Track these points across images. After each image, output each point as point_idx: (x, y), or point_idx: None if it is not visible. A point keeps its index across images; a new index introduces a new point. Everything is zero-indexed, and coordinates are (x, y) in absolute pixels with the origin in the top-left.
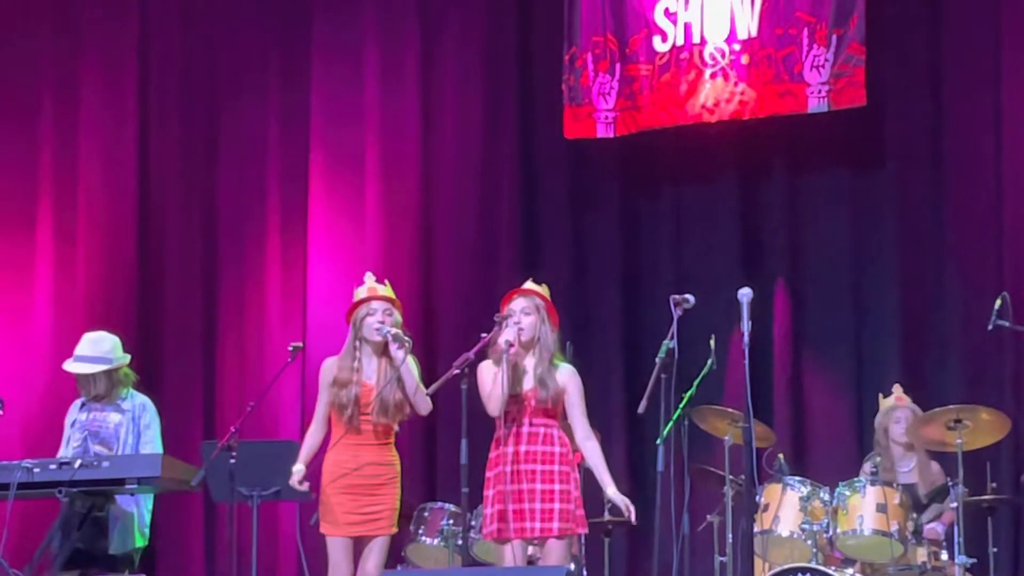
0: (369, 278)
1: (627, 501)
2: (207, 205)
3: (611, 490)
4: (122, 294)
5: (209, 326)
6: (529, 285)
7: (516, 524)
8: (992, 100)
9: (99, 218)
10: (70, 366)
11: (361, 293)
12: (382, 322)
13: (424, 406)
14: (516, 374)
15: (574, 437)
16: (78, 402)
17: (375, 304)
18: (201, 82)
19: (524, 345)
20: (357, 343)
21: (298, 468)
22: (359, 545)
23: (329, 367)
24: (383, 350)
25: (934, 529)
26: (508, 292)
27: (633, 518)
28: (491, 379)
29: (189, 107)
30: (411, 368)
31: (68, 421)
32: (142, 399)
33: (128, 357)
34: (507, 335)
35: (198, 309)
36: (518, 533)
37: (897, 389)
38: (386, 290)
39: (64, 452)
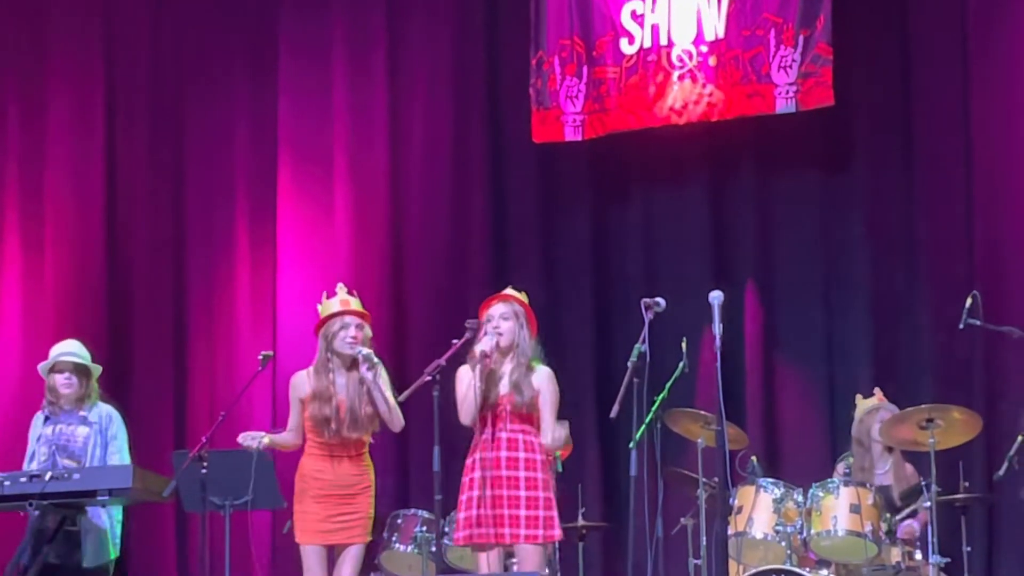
0: (341, 290)
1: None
2: (175, 213)
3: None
4: (91, 303)
5: (179, 335)
6: (508, 291)
7: (492, 530)
8: (960, 99)
9: (67, 227)
10: (66, 357)
11: (333, 306)
12: (355, 338)
13: (397, 424)
14: (492, 379)
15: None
16: (40, 416)
17: (348, 319)
18: (168, 88)
19: (502, 351)
20: (329, 356)
21: (265, 440)
22: (332, 553)
23: (300, 382)
24: (352, 363)
25: (910, 526)
26: (486, 298)
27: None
28: (467, 385)
29: (156, 114)
30: (383, 388)
31: (32, 436)
32: (107, 409)
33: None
34: (484, 345)
35: (167, 318)
36: (496, 539)
37: (877, 391)
38: (357, 304)
39: (29, 467)
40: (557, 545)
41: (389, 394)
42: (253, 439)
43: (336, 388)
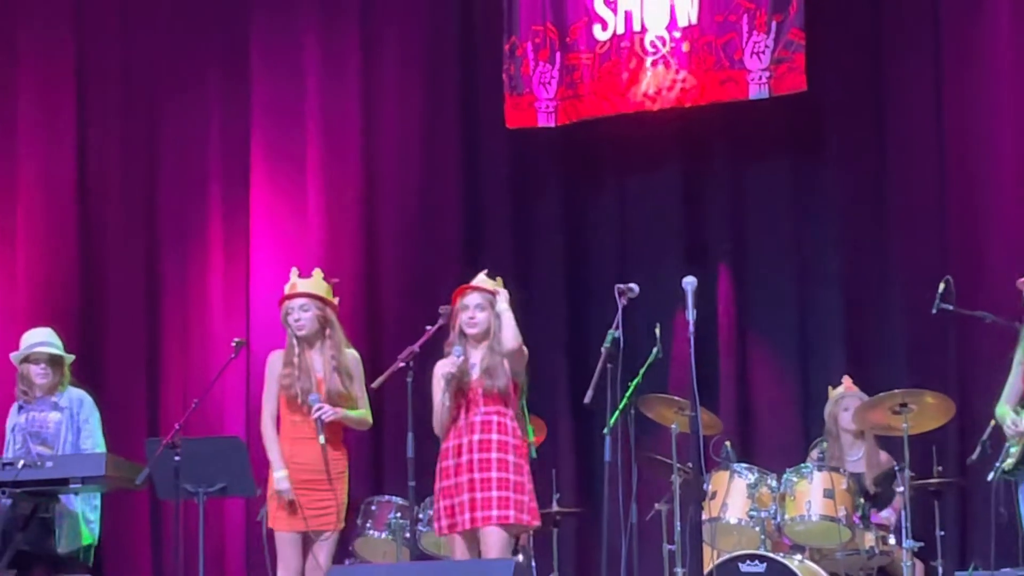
0: (293, 274)
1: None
2: (148, 202)
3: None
4: (64, 293)
5: (152, 323)
6: (481, 280)
7: (467, 515)
8: (933, 85)
9: (39, 217)
10: (41, 348)
11: (285, 290)
12: (298, 320)
13: (365, 426)
14: (465, 367)
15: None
16: (15, 406)
17: (291, 303)
18: (140, 80)
19: (476, 338)
20: (293, 340)
21: (281, 475)
22: (307, 539)
23: (275, 360)
24: (317, 341)
25: (888, 518)
26: (460, 286)
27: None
28: (441, 385)
29: (128, 104)
30: (340, 414)
31: (8, 425)
32: (79, 394)
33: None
34: (450, 366)
35: (140, 306)
36: (471, 523)
37: (846, 379)
38: (309, 284)
39: (5, 455)
40: (531, 532)
41: (351, 414)
42: (288, 490)
43: (312, 366)
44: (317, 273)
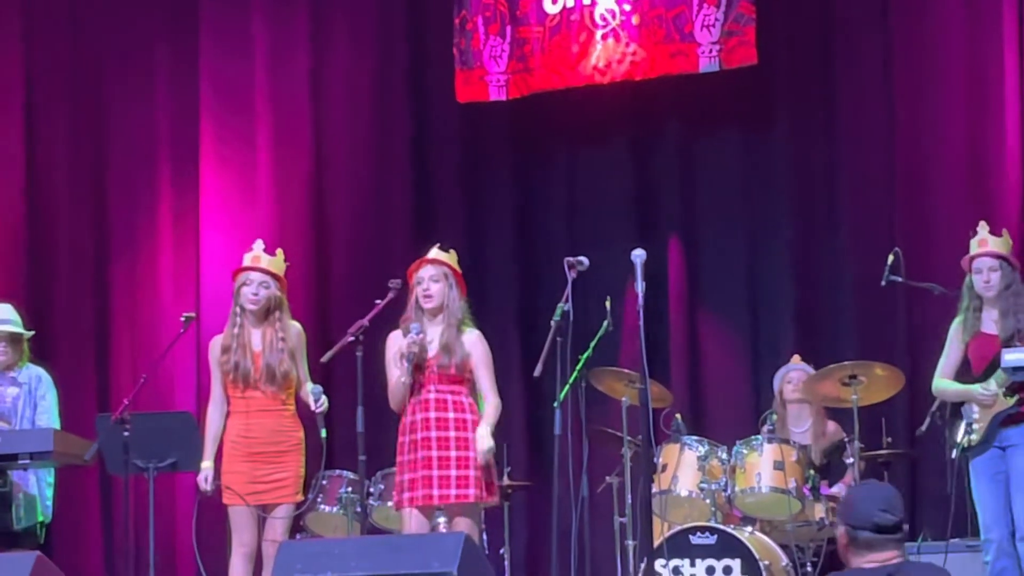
0: (258, 245)
1: (487, 453)
2: (97, 179)
3: (482, 428)
4: (12, 270)
5: (101, 299)
6: (435, 253)
7: (421, 492)
8: (883, 57)
9: None
10: (2, 327)
11: (244, 261)
12: (256, 295)
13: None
14: (422, 343)
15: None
16: None
17: (252, 275)
18: (88, 55)
19: (432, 312)
20: (238, 310)
21: (206, 466)
22: (263, 513)
23: (214, 347)
24: (263, 317)
25: (839, 492)
26: (415, 260)
27: (480, 455)
28: (395, 358)
29: (76, 81)
30: (280, 349)
31: None
32: (37, 371)
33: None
34: (405, 347)
35: (89, 282)
36: (423, 500)
37: (795, 358)
38: (272, 262)
39: None
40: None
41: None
42: (206, 480)
43: (251, 342)
44: (280, 253)
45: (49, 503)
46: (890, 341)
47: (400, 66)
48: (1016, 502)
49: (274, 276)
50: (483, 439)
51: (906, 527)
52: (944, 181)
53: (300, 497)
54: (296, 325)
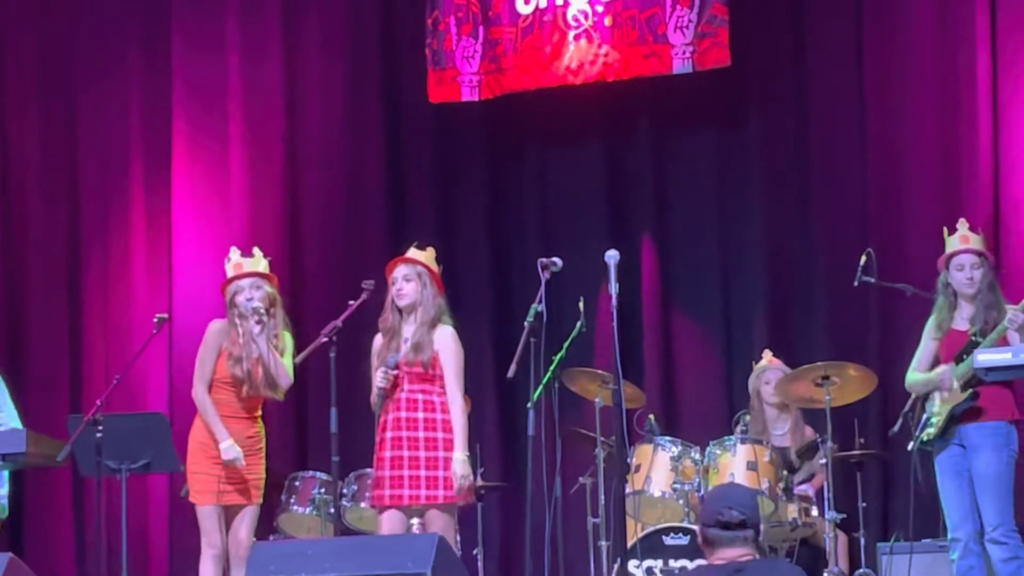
0: (234, 253)
1: (463, 479)
2: (69, 179)
3: (457, 454)
4: None
5: (74, 300)
6: (411, 252)
7: (394, 492)
8: (855, 59)
9: None
10: None
11: (229, 272)
12: (250, 298)
13: (283, 377)
14: (395, 342)
15: None
16: None
17: (242, 282)
18: (59, 54)
19: (406, 310)
20: (237, 320)
21: (228, 444)
22: (228, 514)
23: (220, 330)
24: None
25: (805, 491)
26: (389, 260)
27: (456, 482)
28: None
29: (47, 80)
30: (262, 343)
31: None
32: None
33: None
34: (380, 382)
35: (62, 283)
36: (395, 500)
37: (767, 353)
38: (253, 263)
39: None
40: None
41: (275, 354)
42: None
43: (251, 350)
44: (258, 251)
45: (5, 502)
46: (863, 342)
47: (372, 67)
48: (982, 503)
49: (262, 275)
50: (458, 464)
51: (761, 527)
52: (916, 181)
53: (261, 500)
54: (287, 336)
